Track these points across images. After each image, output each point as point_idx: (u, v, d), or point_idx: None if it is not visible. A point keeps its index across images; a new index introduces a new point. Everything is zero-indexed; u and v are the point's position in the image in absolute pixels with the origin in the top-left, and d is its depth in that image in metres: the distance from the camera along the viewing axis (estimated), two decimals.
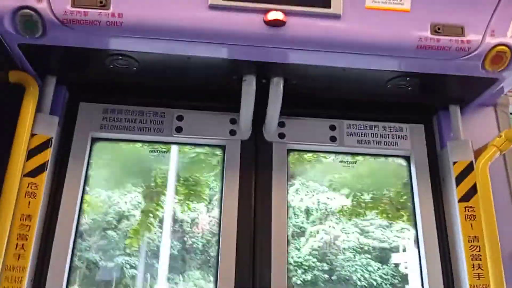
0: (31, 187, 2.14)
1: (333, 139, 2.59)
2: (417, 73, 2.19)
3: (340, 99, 2.55)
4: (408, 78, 2.24)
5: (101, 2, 1.96)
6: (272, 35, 1.98)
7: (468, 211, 2.23)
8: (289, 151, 2.59)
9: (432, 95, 2.47)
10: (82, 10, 1.93)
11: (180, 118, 2.56)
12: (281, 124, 2.57)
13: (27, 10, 1.91)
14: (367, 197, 2.95)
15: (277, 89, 2.30)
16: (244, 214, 2.41)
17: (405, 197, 2.73)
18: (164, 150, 2.74)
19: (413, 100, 2.50)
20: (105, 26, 1.95)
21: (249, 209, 2.43)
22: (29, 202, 2.14)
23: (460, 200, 2.26)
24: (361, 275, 3.23)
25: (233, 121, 2.57)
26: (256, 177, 2.49)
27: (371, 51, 2.03)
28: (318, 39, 2.00)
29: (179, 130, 2.54)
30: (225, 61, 2.17)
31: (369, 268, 3.30)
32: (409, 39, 2.00)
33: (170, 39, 2.02)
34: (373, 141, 2.60)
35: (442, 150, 2.51)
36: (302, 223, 3.19)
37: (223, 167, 2.53)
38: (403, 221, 2.95)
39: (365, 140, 2.60)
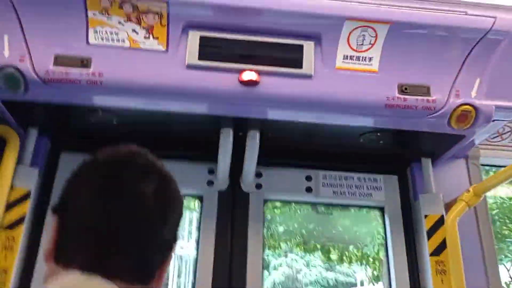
0: (8, 240, 2.16)
1: (309, 189, 2.65)
2: (388, 128, 2.27)
3: (315, 150, 2.62)
4: (379, 133, 2.33)
5: (82, 62, 2.03)
6: (247, 94, 2.05)
7: (439, 265, 2.27)
8: (265, 201, 2.64)
9: (403, 149, 2.55)
10: (64, 69, 2.00)
11: None
12: (258, 175, 2.62)
13: (10, 69, 1.98)
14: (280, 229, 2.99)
15: (253, 142, 2.37)
16: (220, 263, 2.43)
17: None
18: None
19: (386, 152, 2.58)
20: (86, 84, 2.01)
21: (225, 259, 2.45)
22: (5, 255, 2.15)
23: (431, 254, 2.31)
24: None
25: (211, 172, 2.62)
26: (233, 227, 2.52)
27: (341, 109, 2.12)
28: (290, 98, 2.08)
29: None
30: (202, 115, 2.24)
31: None
32: (377, 99, 2.09)
33: (148, 97, 2.10)
34: (348, 192, 2.65)
35: (415, 202, 2.57)
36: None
37: (200, 217, 2.56)
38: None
39: (341, 191, 2.65)
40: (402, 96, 2.09)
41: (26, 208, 2.25)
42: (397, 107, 2.09)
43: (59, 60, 2.01)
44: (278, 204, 2.81)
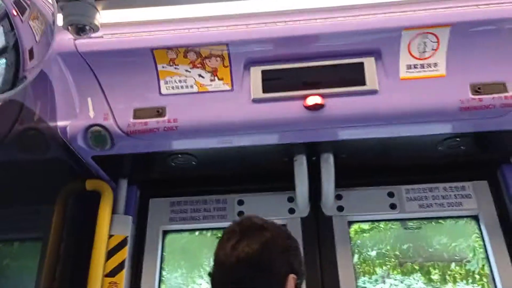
0: (112, 286, 2.32)
1: (393, 206, 2.56)
2: (466, 133, 2.17)
3: (394, 165, 2.55)
4: (458, 139, 2.23)
5: (157, 111, 2.19)
6: (313, 118, 2.09)
7: None
8: (350, 223, 2.60)
9: (488, 152, 2.40)
10: (143, 120, 2.17)
11: (240, 202, 2.70)
12: (338, 197, 2.60)
13: (96, 128, 2.19)
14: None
15: (327, 165, 2.37)
16: None
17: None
18: None
19: (470, 158, 2.45)
20: (163, 131, 2.16)
21: (317, 285, 2.43)
22: None
23: None
24: None
25: (291, 200, 2.64)
26: (320, 252, 2.50)
27: (412, 120, 2.06)
28: (357, 116, 2.07)
29: (240, 214, 2.66)
30: (274, 146, 2.29)
31: None
32: (450, 103, 2.02)
33: (220, 135, 2.20)
34: (436, 203, 2.53)
35: None
36: None
37: None
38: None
39: (427, 204, 2.53)
40: (476, 97, 2.00)
41: (125, 253, 2.42)
42: (473, 108, 2.00)
43: (137, 113, 2.19)
44: (366, 227, 2.75)
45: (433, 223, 2.73)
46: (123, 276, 2.37)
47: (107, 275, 2.34)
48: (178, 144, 2.30)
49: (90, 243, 2.37)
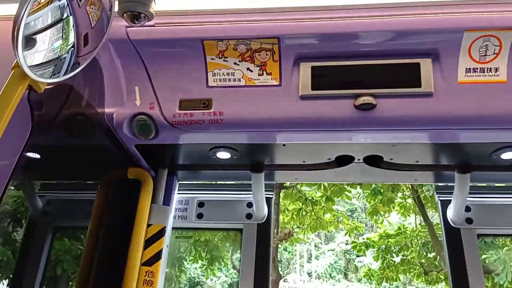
0: (148, 275, 2.33)
1: None
2: None
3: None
4: None
5: (204, 103, 2.17)
6: (363, 118, 2.02)
7: None
8: (478, 236, 2.57)
9: None
10: (188, 112, 2.16)
11: (201, 205, 2.77)
12: (467, 209, 2.58)
13: (142, 116, 2.18)
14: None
15: (462, 175, 2.37)
16: None
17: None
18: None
19: None
20: (208, 124, 2.14)
21: None
22: None
23: None
24: None
25: (250, 205, 2.74)
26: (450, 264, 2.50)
27: (468, 125, 1.98)
28: (410, 118, 2.00)
29: (200, 216, 2.75)
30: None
31: None
32: (509, 111, 1.92)
33: (266, 130, 2.16)
34: None
35: None
36: None
37: (241, 249, 2.65)
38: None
39: None
40: None
41: (162, 244, 2.42)
42: None
43: (183, 104, 2.17)
44: (392, 233, 2.74)
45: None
46: (160, 266, 2.37)
47: (144, 264, 2.35)
48: (222, 137, 2.28)
49: (128, 231, 2.38)
